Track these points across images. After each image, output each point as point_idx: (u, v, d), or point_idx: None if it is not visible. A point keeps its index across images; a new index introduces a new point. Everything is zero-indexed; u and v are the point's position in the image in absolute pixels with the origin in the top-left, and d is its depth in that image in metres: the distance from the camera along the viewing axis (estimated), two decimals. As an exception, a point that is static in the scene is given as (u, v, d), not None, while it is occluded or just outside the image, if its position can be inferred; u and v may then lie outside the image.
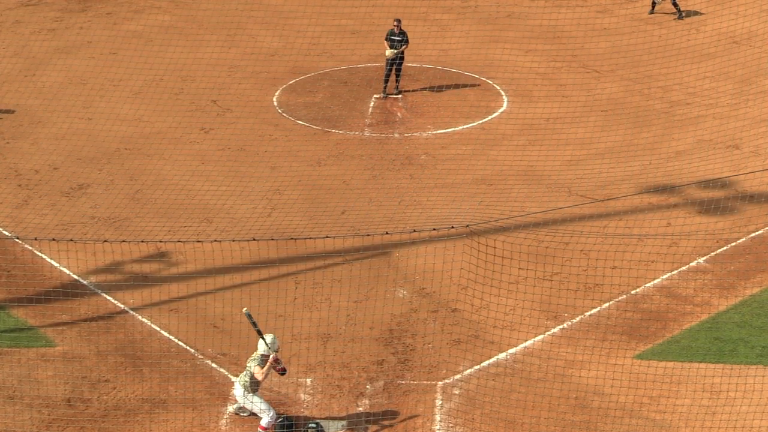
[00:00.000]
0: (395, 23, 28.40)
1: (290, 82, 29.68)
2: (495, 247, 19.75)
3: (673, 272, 20.96)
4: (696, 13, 33.69)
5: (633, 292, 20.35)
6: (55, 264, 21.08)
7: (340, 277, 20.53)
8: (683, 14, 33.62)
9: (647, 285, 20.56)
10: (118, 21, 33.89)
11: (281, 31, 32.69)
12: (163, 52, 30.50)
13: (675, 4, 33.87)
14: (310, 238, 20.24)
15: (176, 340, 19.01)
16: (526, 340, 19.11)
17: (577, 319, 19.67)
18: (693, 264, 21.23)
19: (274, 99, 28.66)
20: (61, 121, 26.97)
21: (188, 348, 18.87)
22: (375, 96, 27.24)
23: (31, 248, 21.45)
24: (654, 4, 34.13)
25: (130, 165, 25.06)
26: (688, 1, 33.76)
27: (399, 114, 27.68)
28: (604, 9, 34.91)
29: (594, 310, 19.87)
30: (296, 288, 20.25)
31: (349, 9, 34.02)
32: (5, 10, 34.46)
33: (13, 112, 27.44)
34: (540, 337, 19.24)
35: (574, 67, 30.55)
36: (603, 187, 23.85)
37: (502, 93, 29.03)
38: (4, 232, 22.02)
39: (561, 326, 19.49)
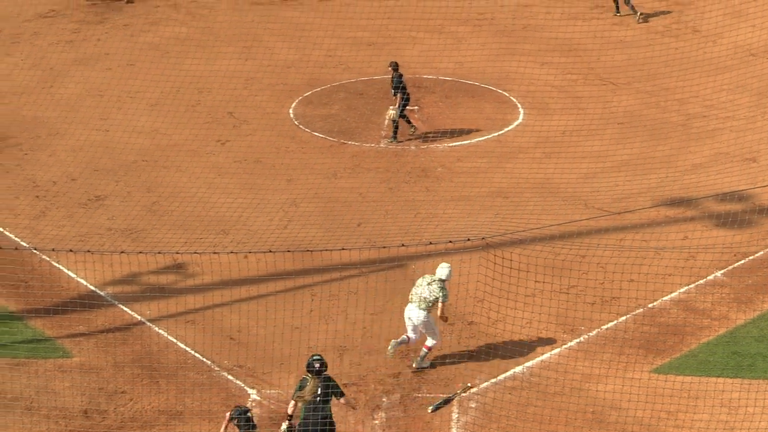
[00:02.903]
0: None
1: (306, 94, 29.75)
2: (511, 260, 19.73)
3: (690, 286, 20.89)
4: (662, 12, 34.30)
5: (650, 305, 20.28)
6: (73, 275, 21.14)
7: (357, 289, 20.53)
8: (640, 15, 34.28)
9: (664, 298, 20.50)
10: (135, 33, 34.04)
11: (297, 43, 32.76)
12: (179, 64, 30.64)
13: (631, 6, 34.51)
14: (327, 250, 20.24)
15: (193, 352, 19.03)
16: (542, 354, 19.07)
17: (594, 332, 19.61)
18: (710, 278, 21.16)
19: (291, 111, 28.72)
20: (78, 133, 27.08)
21: (204, 360, 18.89)
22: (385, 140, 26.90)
23: (48, 259, 21.53)
24: (617, 6, 34.79)
25: (147, 177, 25.13)
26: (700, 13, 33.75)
27: (415, 126, 27.67)
28: (620, 21, 34.88)
29: (611, 324, 19.81)
30: (312, 300, 20.25)
31: (365, 21, 34.09)
32: (24, 22, 34.66)
33: None
34: (557, 350, 19.20)
35: (591, 80, 30.53)
36: (619, 200, 23.80)
37: (519, 105, 29.02)
38: (22, 243, 22.11)
39: (578, 340, 19.43)
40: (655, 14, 35.20)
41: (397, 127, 26.58)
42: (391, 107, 27.40)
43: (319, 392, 15.90)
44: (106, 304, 20.35)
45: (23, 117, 28.20)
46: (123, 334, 19.57)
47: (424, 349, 18.58)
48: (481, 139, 27.16)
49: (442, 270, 18.54)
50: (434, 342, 18.56)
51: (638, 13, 34.70)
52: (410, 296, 18.55)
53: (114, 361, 18.80)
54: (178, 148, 26.48)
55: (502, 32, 34.15)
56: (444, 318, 18.50)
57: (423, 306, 18.29)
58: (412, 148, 26.61)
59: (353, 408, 16.81)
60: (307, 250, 20.21)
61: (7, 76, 30.55)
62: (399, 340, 18.61)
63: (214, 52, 32.01)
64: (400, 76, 26.53)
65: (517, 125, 27.95)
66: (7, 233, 22.53)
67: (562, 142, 26.71)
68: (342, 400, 16.23)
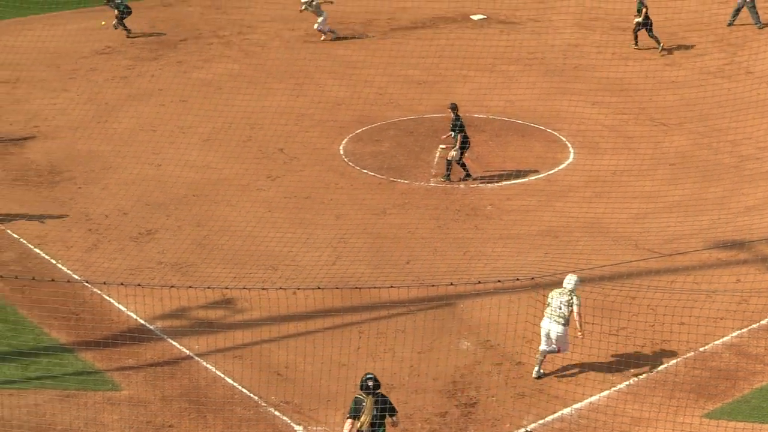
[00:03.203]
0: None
1: (357, 131, 29.89)
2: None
3: (742, 330, 20.60)
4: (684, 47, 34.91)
5: (701, 349, 20.02)
6: (123, 308, 21.31)
7: (404, 327, 20.48)
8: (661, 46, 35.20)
9: (716, 342, 20.22)
10: (189, 69, 34.47)
11: (348, 81, 33.00)
12: (231, 100, 30.96)
13: (655, 38, 35.30)
14: (375, 287, 20.24)
15: (240, 387, 19.06)
16: (591, 396, 18.87)
17: (644, 375, 19.39)
18: (763, 322, 20.85)
19: (341, 148, 28.86)
20: (131, 167, 27.39)
21: (251, 395, 18.91)
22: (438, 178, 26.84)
23: (99, 292, 21.72)
24: (636, 39, 35.69)
25: (198, 211, 25.33)
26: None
27: (471, 175, 27.64)
28: (673, 62, 34.77)
29: (661, 367, 19.58)
30: (360, 337, 20.23)
31: (416, 60, 34.28)
32: (81, 59, 35.25)
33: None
34: (606, 392, 18.99)
35: (642, 120, 30.40)
36: (671, 241, 23.59)
37: (569, 145, 28.94)
38: (74, 275, 22.34)
39: (627, 382, 19.22)
40: (707, 54, 35.04)
41: (450, 167, 26.49)
42: (442, 146, 27.46)
43: (375, 411, 16.11)
44: (155, 337, 20.47)
45: (78, 151, 28.59)
46: (171, 368, 19.66)
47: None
48: (531, 178, 27.10)
49: (570, 280, 19.06)
50: (568, 349, 19.31)
51: (660, 45, 35.24)
52: (545, 312, 19.01)
53: (162, 395, 18.88)
54: (228, 183, 26.68)
55: (552, 71, 34.15)
56: (580, 327, 19.02)
57: (560, 320, 18.87)
58: (462, 186, 26.59)
59: (395, 425, 16.78)
60: (356, 288, 20.22)
61: (63, 110, 31.04)
62: (539, 361, 19.23)
63: (265, 89, 32.31)
64: (459, 117, 26.41)
65: (568, 164, 27.86)
66: (60, 266, 22.78)
67: (613, 182, 26.57)
68: (394, 418, 16.44)
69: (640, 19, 35.39)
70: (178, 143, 28.77)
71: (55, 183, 26.80)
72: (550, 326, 18.91)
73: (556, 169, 27.59)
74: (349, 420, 16.17)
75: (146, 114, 30.87)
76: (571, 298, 18.90)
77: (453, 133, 26.44)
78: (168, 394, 18.89)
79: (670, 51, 35.29)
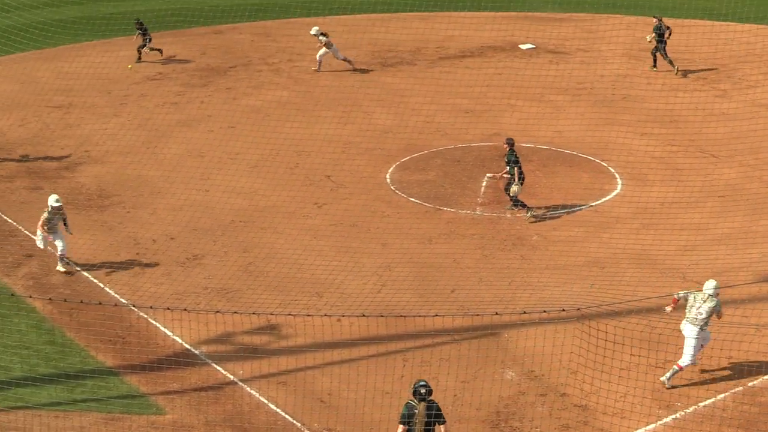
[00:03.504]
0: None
1: (403, 160, 29.93)
2: (606, 332, 19.43)
3: (792, 365, 20.29)
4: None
5: (750, 384, 19.74)
6: (169, 333, 21.43)
7: (449, 356, 20.39)
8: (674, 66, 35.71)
9: (765, 377, 19.92)
10: (238, 96, 34.76)
11: (396, 109, 33.09)
12: (280, 127, 31.15)
13: (669, 61, 35.79)
14: (420, 316, 20.20)
15: (283, 414, 19.07)
16: (637, 429, 18.64)
17: (691, 409, 19.14)
18: (813, 357, 20.52)
19: (387, 176, 28.91)
20: (179, 193, 27.62)
21: (294, 422, 18.90)
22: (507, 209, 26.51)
23: (146, 316, 21.87)
24: (655, 61, 36.18)
25: (244, 237, 25.46)
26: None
27: (516, 187, 27.56)
28: (723, 93, 34.51)
29: (708, 401, 19.31)
30: (404, 365, 20.17)
31: (464, 88, 34.31)
32: (132, 84, 35.68)
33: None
34: (651, 426, 18.76)
35: (691, 152, 30.16)
36: (719, 274, 23.29)
37: (617, 176, 28.77)
38: (121, 299, 22.52)
39: (674, 416, 18.98)
40: (759, 86, 34.74)
41: (517, 202, 26.17)
42: (489, 174, 27.44)
43: (427, 417, 16.38)
44: (200, 362, 20.55)
45: (128, 176, 28.89)
46: (215, 393, 19.71)
47: (675, 367, 19.45)
48: (577, 208, 26.96)
49: (711, 285, 19.55)
50: (687, 363, 19.48)
51: (676, 68, 35.66)
52: (687, 316, 19.47)
53: (206, 420, 18.92)
54: (275, 210, 26.81)
55: (601, 102, 34.02)
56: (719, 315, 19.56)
57: (700, 323, 19.31)
58: (508, 216, 26.50)
59: None
60: (400, 316, 20.18)
61: (114, 135, 31.40)
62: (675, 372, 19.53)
63: (313, 116, 32.49)
64: (514, 152, 26.11)
65: (615, 195, 27.69)
66: (108, 289, 22.98)
67: (661, 214, 26.35)
68: (443, 428, 16.58)
69: (651, 38, 36.05)
70: (226, 169, 28.98)
71: (104, 207, 27.08)
72: (689, 330, 19.40)
73: (604, 200, 27.42)
74: (401, 426, 16.46)
75: (195, 140, 31.15)
76: (715, 304, 19.39)
77: (508, 168, 26.21)
78: (212, 419, 18.93)
79: (719, 82, 35.09)
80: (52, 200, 23.86)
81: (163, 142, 31.10)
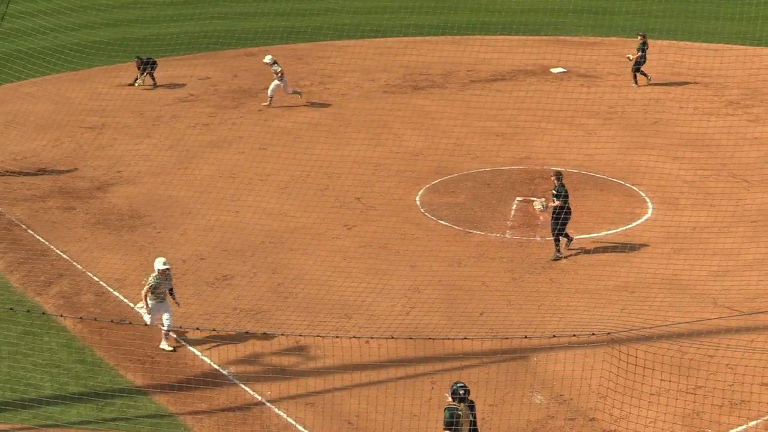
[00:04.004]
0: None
1: (433, 182, 29.94)
2: (636, 357, 19.30)
3: (825, 392, 20.05)
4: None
5: (782, 411, 19.53)
6: (197, 353, 21.49)
7: (477, 379, 20.29)
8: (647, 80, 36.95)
9: (797, 404, 19.71)
10: (269, 117, 34.93)
11: (427, 131, 33.14)
12: (310, 149, 31.26)
13: (641, 72, 36.99)
14: (448, 338, 20.16)
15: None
16: (666, 455, 18.49)
17: (722, 436, 18.96)
18: None
19: (417, 198, 28.92)
20: (210, 213, 27.75)
21: (322, 443, 18.88)
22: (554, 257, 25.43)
23: (175, 336, 21.93)
24: (635, 79, 37.18)
25: (274, 258, 25.53)
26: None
27: (541, 218, 27.52)
28: (756, 118, 34.32)
29: (740, 428, 19.11)
30: (432, 388, 20.11)
31: (495, 111, 34.32)
32: (165, 106, 35.95)
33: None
34: (682, 452, 18.59)
35: (723, 176, 29.98)
36: (751, 299, 23.13)
37: (647, 200, 28.65)
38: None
39: (704, 442, 18.81)
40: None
41: (558, 242, 25.42)
42: (519, 198, 27.41)
43: (472, 417, 16.85)
44: (228, 382, 20.58)
45: (159, 196, 29.07)
46: (243, 413, 19.73)
47: None
48: (608, 232, 26.84)
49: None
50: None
51: (648, 77, 37.06)
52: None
53: (233, 440, 18.95)
54: (305, 231, 26.87)
55: (632, 126, 33.92)
56: None
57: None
58: (538, 239, 26.43)
59: None
60: (429, 338, 20.14)
61: (146, 156, 31.63)
62: None
63: (344, 138, 32.59)
64: (564, 186, 25.43)
65: (646, 219, 27.56)
66: (137, 309, 23.08)
67: (692, 239, 26.18)
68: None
69: (635, 56, 37.03)
70: (257, 190, 29.11)
71: (135, 227, 27.25)
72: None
73: (634, 224, 27.30)
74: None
75: (226, 161, 31.31)
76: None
77: (555, 199, 25.39)
78: (239, 440, 18.94)
79: (752, 107, 34.95)
80: (159, 263, 21.41)
81: (194, 163, 31.28)
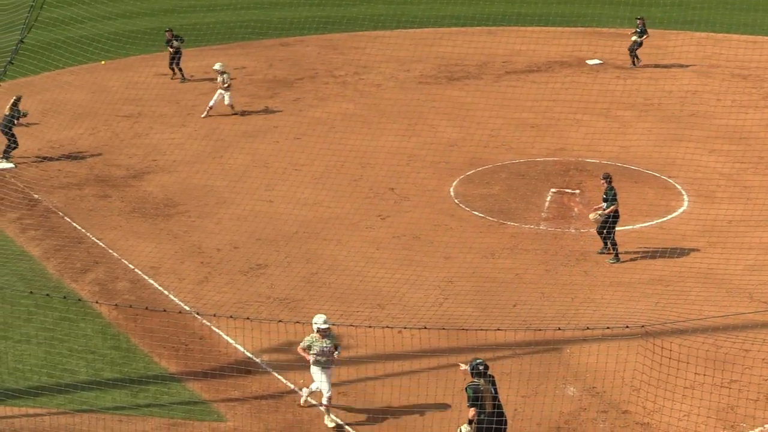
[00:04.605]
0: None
1: (468, 173, 29.88)
2: (671, 350, 19.19)
3: None
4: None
5: (817, 406, 19.35)
6: (231, 341, 21.59)
7: (510, 370, 20.27)
8: (638, 62, 38.26)
9: (833, 399, 19.53)
10: (304, 108, 34.99)
11: (461, 123, 33.07)
12: (345, 139, 31.29)
13: (636, 56, 38.11)
14: (481, 329, 20.10)
15: (344, 424, 19.08)
16: (700, 449, 18.38)
17: (757, 430, 18.81)
18: None
19: (451, 189, 28.88)
20: (244, 203, 27.85)
21: (354, 432, 18.93)
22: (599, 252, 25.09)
23: (209, 324, 22.06)
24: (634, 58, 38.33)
25: (308, 248, 25.59)
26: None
27: (576, 209, 27.43)
28: (794, 111, 34.00)
29: (774, 423, 18.99)
30: (464, 379, 20.03)
31: (530, 103, 34.20)
32: (200, 95, 36.09)
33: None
34: (715, 446, 18.48)
35: (761, 169, 29.72)
36: (788, 294, 22.95)
37: (683, 193, 28.45)
38: (185, 306, 22.75)
39: (738, 437, 18.68)
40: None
41: (608, 242, 24.95)
42: (553, 189, 27.25)
43: (494, 392, 17.22)
44: (261, 371, 20.67)
45: (194, 185, 29.20)
46: (276, 401, 19.81)
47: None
48: (643, 225, 26.69)
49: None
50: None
51: (638, 63, 38.67)
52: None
53: (266, 428, 19.02)
54: (339, 221, 26.91)
55: (669, 118, 33.69)
56: None
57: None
58: (572, 230, 26.32)
59: None
60: (462, 329, 20.11)
61: (181, 145, 31.78)
62: None
63: (378, 129, 32.59)
64: (613, 188, 24.89)
65: (681, 212, 27.37)
66: (172, 297, 23.23)
67: (729, 232, 25.97)
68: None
69: (638, 39, 38.04)
70: (291, 180, 29.17)
71: (170, 216, 27.40)
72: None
73: (670, 217, 27.12)
74: (473, 409, 17.09)
75: (260, 150, 31.40)
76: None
77: (605, 204, 24.93)
78: (271, 428, 19.02)
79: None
80: (320, 321, 18.62)
81: (229, 152, 31.39)
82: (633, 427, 18.89)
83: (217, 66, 33.92)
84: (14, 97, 30.69)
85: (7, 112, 30.52)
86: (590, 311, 22.15)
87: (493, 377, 17.43)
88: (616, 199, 24.90)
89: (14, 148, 30.49)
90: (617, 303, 22.65)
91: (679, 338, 19.96)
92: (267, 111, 34.65)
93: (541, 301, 22.92)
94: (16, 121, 30.41)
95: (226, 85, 33.68)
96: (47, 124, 33.49)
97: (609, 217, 24.81)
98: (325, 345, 18.64)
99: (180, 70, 37.51)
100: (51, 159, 30.91)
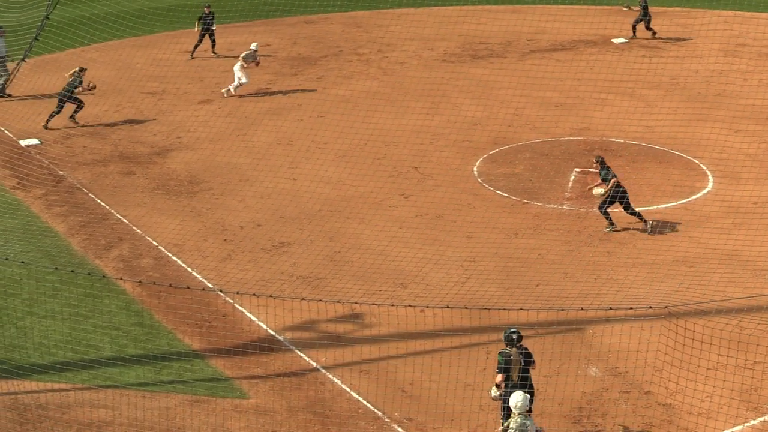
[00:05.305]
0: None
1: (491, 152, 29.80)
2: (694, 331, 19.13)
3: None
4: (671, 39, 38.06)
5: (841, 388, 19.26)
6: (254, 318, 21.68)
7: (532, 350, 20.15)
8: (655, 33, 38.69)
9: None
10: (328, 86, 34.95)
11: (485, 101, 32.95)
12: (369, 117, 31.23)
13: (645, 28, 38.56)
14: (504, 309, 20.09)
15: (364, 402, 19.17)
16: (723, 430, 18.34)
17: (780, 412, 18.77)
18: None
19: (475, 168, 28.83)
20: (267, 180, 27.89)
21: (376, 410, 18.99)
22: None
23: (231, 302, 22.16)
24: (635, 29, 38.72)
25: (331, 226, 25.62)
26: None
27: (600, 189, 27.30)
28: (822, 91, 33.68)
29: (798, 405, 18.92)
30: (487, 358, 20.11)
31: (555, 82, 34.03)
32: (224, 72, 36.05)
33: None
34: (738, 428, 18.44)
35: (787, 150, 29.52)
36: (813, 275, 22.82)
37: (708, 173, 28.29)
38: (209, 284, 22.85)
39: (761, 418, 18.63)
40: None
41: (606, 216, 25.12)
42: (577, 169, 27.16)
43: (522, 361, 17.52)
44: (284, 348, 20.76)
45: (217, 162, 29.27)
46: (298, 379, 19.90)
47: None
48: (667, 205, 26.56)
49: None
50: None
51: (655, 34, 38.58)
52: None
53: (288, 405, 19.12)
54: (362, 200, 26.92)
55: (695, 98, 33.46)
56: None
57: None
58: (595, 210, 26.22)
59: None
60: (485, 308, 20.10)
61: (205, 122, 31.84)
62: None
63: (402, 107, 32.52)
64: (606, 168, 25.09)
65: (706, 193, 27.22)
66: (195, 274, 23.33)
67: (754, 213, 25.82)
68: (533, 368, 17.81)
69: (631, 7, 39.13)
70: (314, 158, 29.19)
71: (193, 193, 27.48)
72: None
73: (694, 198, 26.98)
74: (500, 375, 17.41)
75: (284, 128, 31.41)
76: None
77: (605, 184, 25.06)
78: (294, 405, 19.12)
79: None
80: (518, 399, 16.47)
81: (253, 130, 31.43)
82: (655, 407, 18.87)
83: (253, 46, 34.45)
84: (77, 68, 31.67)
85: (69, 78, 31.37)
86: (613, 291, 22.10)
87: (527, 350, 17.74)
88: (609, 179, 25.02)
89: (56, 114, 31.22)
90: (640, 283, 22.59)
91: (702, 319, 19.89)
92: (291, 89, 34.63)
93: (564, 281, 22.88)
94: (75, 90, 31.22)
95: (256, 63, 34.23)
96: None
97: (617, 194, 24.94)
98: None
99: (213, 43, 37.67)
100: (76, 136, 31.04)
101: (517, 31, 38.74)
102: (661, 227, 25.31)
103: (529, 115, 32.05)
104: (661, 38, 38.54)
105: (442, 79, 35.03)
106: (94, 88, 31.76)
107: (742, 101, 32.83)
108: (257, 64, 34.51)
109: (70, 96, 31.29)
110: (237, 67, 33.98)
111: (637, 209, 25.20)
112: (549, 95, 33.53)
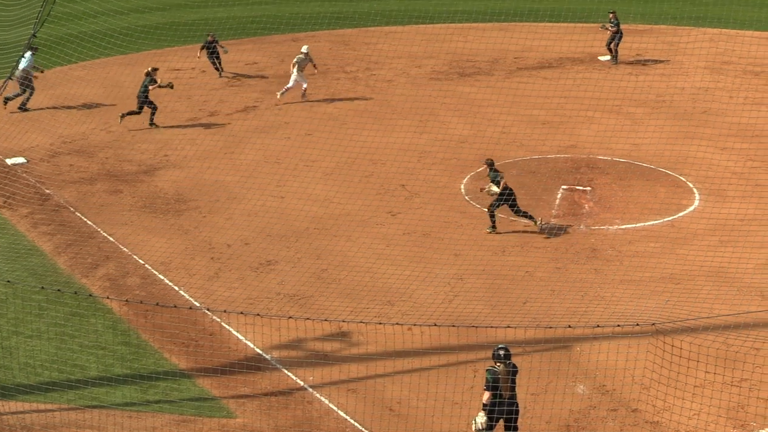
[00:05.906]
0: None
1: (479, 170, 29.81)
2: (681, 348, 19.15)
3: None
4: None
5: (828, 405, 19.29)
6: (241, 337, 21.63)
7: (519, 368, 20.16)
8: (617, 60, 38.30)
9: (844, 399, 19.47)
10: (315, 104, 34.98)
11: (473, 119, 33.02)
12: (356, 135, 31.27)
13: (610, 49, 38.30)
14: (491, 327, 20.11)
15: (352, 421, 19.12)
16: (710, 448, 18.36)
17: (766, 430, 18.77)
18: None
19: (462, 186, 28.86)
20: (255, 199, 27.87)
21: (363, 429, 18.94)
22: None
23: (219, 320, 22.10)
24: (616, 54, 38.55)
25: (318, 244, 25.60)
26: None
27: (586, 206, 27.39)
28: (807, 108, 33.84)
29: (785, 422, 18.94)
30: (474, 376, 20.09)
31: (542, 99, 34.13)
32: (212, 90, 36.11)
33: None
34: (725, 445, 18.45)
35: (773, 167, 29.62)
36: (799, 292, 22.88)
37: (695, 190, 28.38)
38: (195, 302, 22.79)
39: (748, 436, 18.65)
40: None
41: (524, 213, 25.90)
42: (564, 186, 27.22)
43: (510, 382, 17.48)
44: (271, 367, 20.70)
45: (205, 180, 29.24)
46: (285, 398, 19.85)
47: None
48: (653, 222, 26.63)
49: None
50: None
51: (617, 59, 38.46)
52: None
53: (275, 425, 19.05)
54: (349, 218, 26.91)
55: (681, 115, 33.59)
56: None
57: None
58: (582, 227, 26.28)
59: None
60: (472, 326, 20.10)
61: (192, 141, 31.83)
62: None
63: (390, 125, 32.56)
64: (495, 171, 25.98)
65: (693, 210, 27.30)
66: (182, 293, 23.28)
67: (740, 231, 25.90)
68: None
69: (611, 28, 38.49)
70: (302, 176, 29.19)
71: (181, 211, 27.45)
72: None
73: (681, 215, 27.06)
74: (488, 393, 17.32)
75: (272, 146, 31.41)
76: None
77: (495, 187, 25.87)
78: (281, 424, 19.05)
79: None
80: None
81: (240, 148, 31.42)
82: (642, 425, 18.87)
83: (304, 49, 35.30)
84: (149, 67, 32.90)
85: (146, 81, 32.59)
86: (600, 309, 22.13)
87: (515, 368, 17.73)
88: (499, 181, 25.76)
89: (137, 112, 32.42)
90: (627, 300, 22.62)
91: (689, 336, 19.91)
92: (278, 107, 34.65)
93: (551, 299, 22.90)
94: (150, 88, 32.38)
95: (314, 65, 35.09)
96: (59, 119, 33.55)
97: (508, 197, 25.76)
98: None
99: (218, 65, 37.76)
100: (62, 154, 30.99)
101: (504, 49, 38.86)
102: (552, 228, 25.67)
103: (516, 132, 32.12)
104: (641, 58, 38.64)
105: (430, 96, 35.10)
106: (172, 86, 32.92)
107: (728, 119, 32.98)
108: (315, 66, 35.19)
109: (145, 98, 32.35)
110: (294, 75, 34.68)
111: (527, 212, 25.91)
112: (536, 113, 33.63)
